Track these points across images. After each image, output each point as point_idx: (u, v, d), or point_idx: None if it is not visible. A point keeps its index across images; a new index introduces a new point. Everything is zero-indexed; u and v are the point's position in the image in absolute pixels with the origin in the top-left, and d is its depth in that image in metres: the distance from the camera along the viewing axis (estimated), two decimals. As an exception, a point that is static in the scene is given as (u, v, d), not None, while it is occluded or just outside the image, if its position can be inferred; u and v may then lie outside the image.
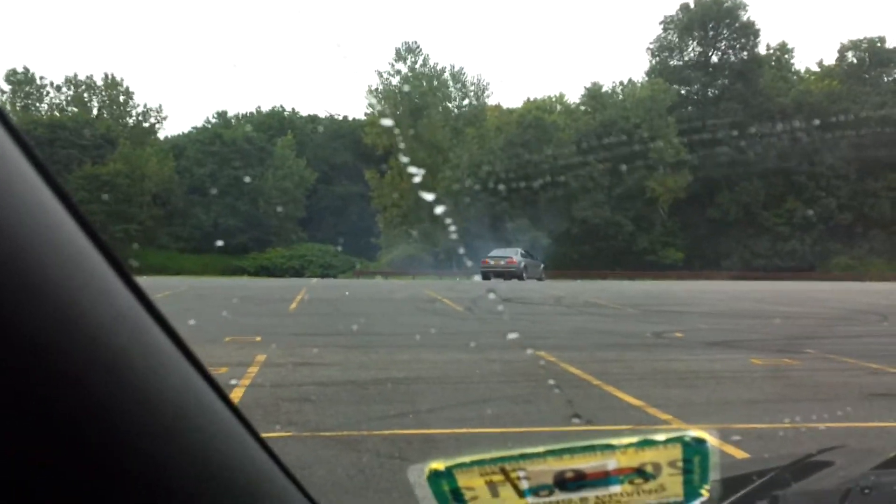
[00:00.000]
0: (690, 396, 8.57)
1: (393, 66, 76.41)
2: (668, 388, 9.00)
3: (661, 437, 1.12)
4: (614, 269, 62.14)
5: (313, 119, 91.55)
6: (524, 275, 41.94)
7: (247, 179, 71.71)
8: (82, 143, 68.92)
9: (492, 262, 42.11)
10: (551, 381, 9.56)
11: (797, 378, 9.85)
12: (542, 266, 46.90)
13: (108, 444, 0.72)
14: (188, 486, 0.80)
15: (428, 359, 11.16)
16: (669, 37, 78.63)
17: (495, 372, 10.09)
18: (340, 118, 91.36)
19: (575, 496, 1.14)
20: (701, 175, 68.49)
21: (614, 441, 1.12)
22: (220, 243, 70.80)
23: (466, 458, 1.11)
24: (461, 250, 54.29)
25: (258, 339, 13.05)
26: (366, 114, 79.47)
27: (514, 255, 43.30)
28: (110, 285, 0.77)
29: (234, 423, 0.90)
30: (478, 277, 42.77)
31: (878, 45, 74.52)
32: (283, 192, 75.08)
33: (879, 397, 8.57)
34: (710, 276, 57.12)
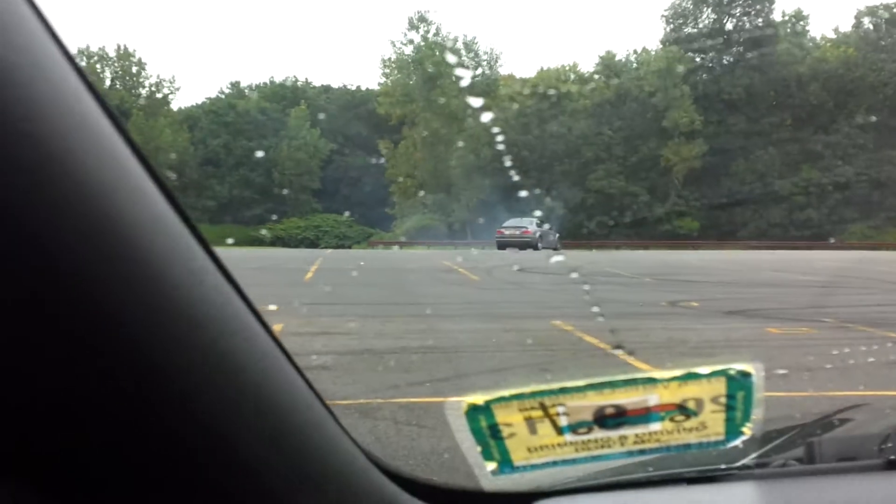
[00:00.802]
0: (707, 364, 8.53)
1: (406, 35, 76.13)
2: (684, 357, 8.97)
3: (705, 370, 1.10)
4: (629, 238, 62.00)
5: (326, 89, 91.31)
6: (539, 245, 41.82)
7: (259, 154, 71.67)
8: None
9: (507, 233, 42.06)
10: (568, 350, 9.55)
11: (814, 347, 9.81)
12: (558, 236, 46.81)
13: (145, 355, 0.71)
14: (226, 405, 0.80)
15: (444, 328, 11.16)
16: (684, 4, 77.83)
17: (511, 341, 10.09)
18: (353, 88, 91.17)
19: (614, 434, 1.12)
20: (716, 144, 68.12)
21: (657, 374, 1.10)
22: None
23: (506, 392, 1.09)
24: (480, 220, 54.19)
25: (274, 308, 13.05)
26: (379, 83, 79.29)
27: (530, 225, 43.14)
28: (145, 188, 0.75)
29: (273, 347, 0.91)
30: (493, 247, 42.72)
31: (895, 10, 73.59)
32: (297, 163, 75.03)
33: (898, 365, 8.54)
34: (726, 245, 56.88)
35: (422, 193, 66.24)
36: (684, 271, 25.77)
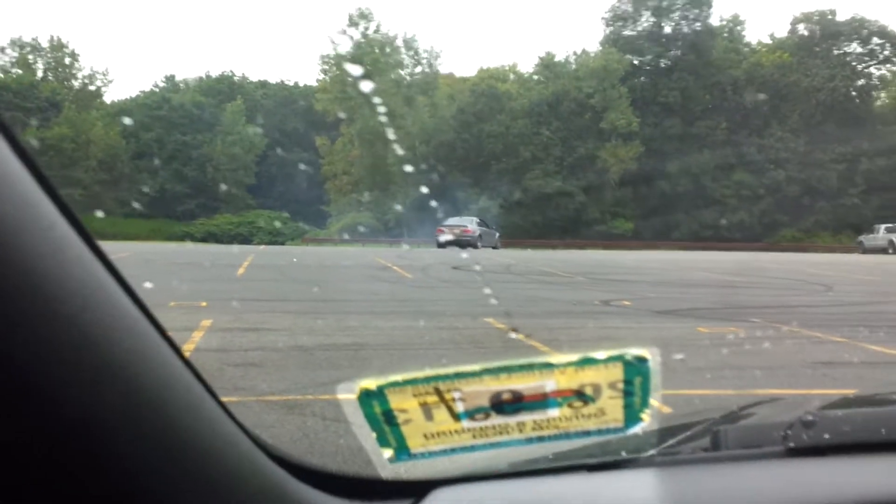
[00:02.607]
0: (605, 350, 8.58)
1: (345, 31, 75.64)
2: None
3: (601, 355, 1.07)
4: (565, 238, 62.35)
5: (263, 84, 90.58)
6: (479, 243, 42.09)
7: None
8: (27, 105, 67.47)
9: (447, 231, 42.23)
10: (499, 348, 9.56)
11: (741, 346, 9.95)
12: (498, 235, 47.15)
13: (21, 359, 0.67)
14: (87, 384, 0.76)
15: (376, 325, 11.10)
16: (623, 6, 78.43)
17: (444, 339, 10.07)
18: (291, 84, 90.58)
19: (512, 420, 1.10)
20: (652, 146, 68.91)
21: (553, 360, 1.07)
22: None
23: (399, 377, 1.06)
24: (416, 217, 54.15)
25: (204, 304, 12.87)
26: (317, 80, 78.77)
27: (470, 223, 43.45)
28: (28, 192, 0.72)
29: (145, 323, 0.86)
30: (432, 246, 42.81)
31: (830, 17, 75.12)
32: (232, 158, 74.30)
33: (822, 365, 8.67)
34: (659, 246, 57.60)
35: (357, 185, 65.97)
36: (618, 271, 26.01)
